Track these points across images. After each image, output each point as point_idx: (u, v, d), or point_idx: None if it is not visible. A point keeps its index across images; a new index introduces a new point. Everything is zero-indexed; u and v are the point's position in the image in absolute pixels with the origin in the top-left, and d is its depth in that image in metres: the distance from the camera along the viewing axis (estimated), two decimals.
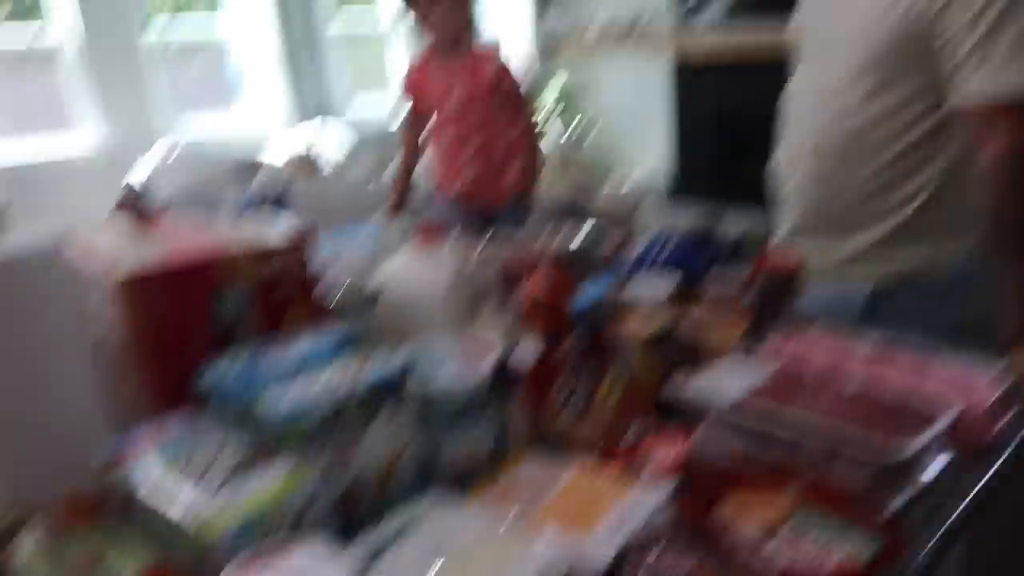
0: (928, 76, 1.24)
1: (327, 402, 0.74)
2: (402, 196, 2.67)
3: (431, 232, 1.00)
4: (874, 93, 1.28)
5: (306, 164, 5.65)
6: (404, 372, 0.80)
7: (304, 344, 0.85)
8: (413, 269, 1.03)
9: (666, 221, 3.02)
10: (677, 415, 0.91)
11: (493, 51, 2.46)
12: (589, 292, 1.10)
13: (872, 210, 1.34)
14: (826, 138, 1.35)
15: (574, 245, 1.16)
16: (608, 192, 3.22)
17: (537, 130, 2.58)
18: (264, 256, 0.94)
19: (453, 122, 2.49)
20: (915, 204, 1.32)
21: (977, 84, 1.18)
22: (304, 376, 0.77)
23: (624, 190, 3.23)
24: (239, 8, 4.65)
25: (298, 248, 0.97)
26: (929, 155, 1.29)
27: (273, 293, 0.95)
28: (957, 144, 1.28)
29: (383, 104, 6.34)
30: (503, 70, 2.42)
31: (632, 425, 0.89)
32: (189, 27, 4.20)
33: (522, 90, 2.50)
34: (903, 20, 1.22)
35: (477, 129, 2.46)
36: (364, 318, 1.01)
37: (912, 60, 1.24)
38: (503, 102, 2.44)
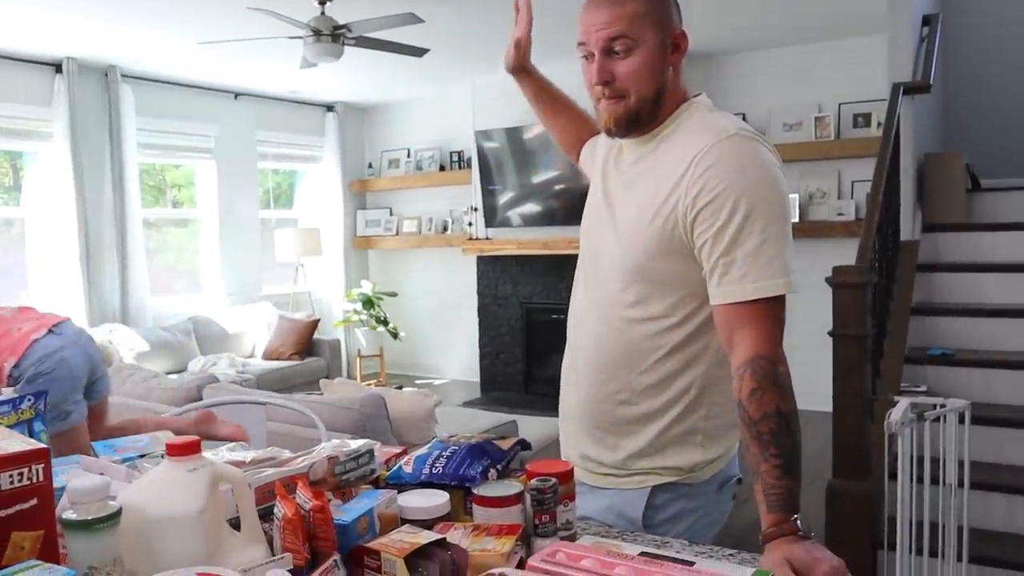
0: (690, 280, 1.32)
1: None
2: None
3: (182, 447, 0.94)
4: (641, 299, 1.36)
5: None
6: None
7: None
8: (161, 486, 0.95)
9: (456, 427, 3.03)
10: None
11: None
12: (357, 506, 1.06)
13: (642, 414, 1.40)
14: (602, 343, 1.42)
15: (343, 459, 1.12)
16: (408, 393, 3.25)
17: None
18: None
19: None
20: (681, 406, 1.38)
21: (720, 292, 1.27)
22: None
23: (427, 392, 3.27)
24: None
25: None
26: (693, 357, 1.37)
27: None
28: (715, 348, 1.36)
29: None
30: None
31: None
32: None
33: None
34: (661, 232, 1.32)
35: None
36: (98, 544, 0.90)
37: (675, 266, 1.33)
38: None
